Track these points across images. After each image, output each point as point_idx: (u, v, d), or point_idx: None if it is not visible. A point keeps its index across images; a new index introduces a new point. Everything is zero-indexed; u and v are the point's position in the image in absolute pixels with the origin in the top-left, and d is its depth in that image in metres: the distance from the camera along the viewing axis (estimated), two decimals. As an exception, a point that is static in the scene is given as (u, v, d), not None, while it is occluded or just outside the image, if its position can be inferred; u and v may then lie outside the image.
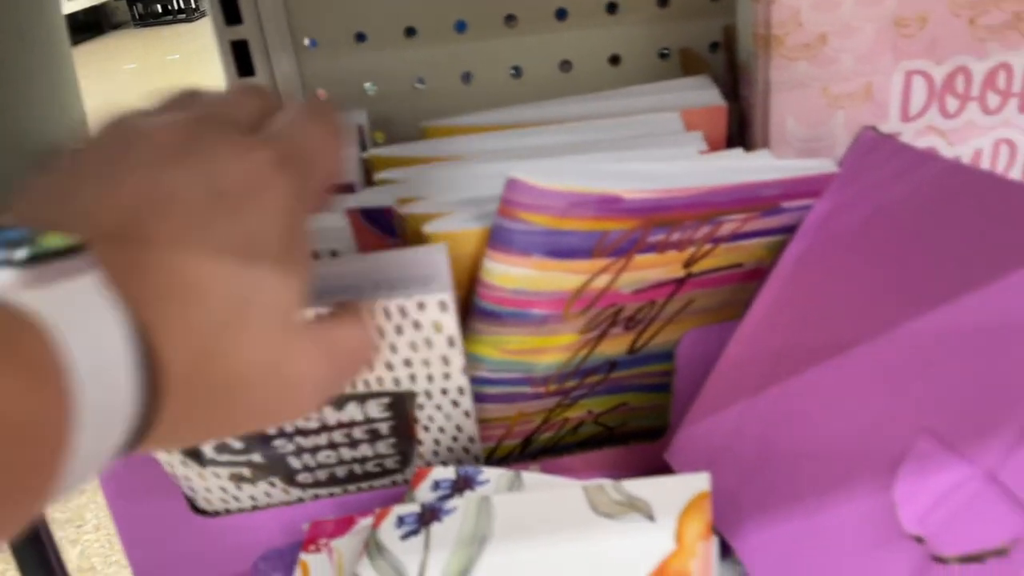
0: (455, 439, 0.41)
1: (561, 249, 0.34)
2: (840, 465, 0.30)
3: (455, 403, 0.38)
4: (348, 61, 0.49)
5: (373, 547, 0.32)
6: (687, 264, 0.37)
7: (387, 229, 0.39)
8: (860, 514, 0.28)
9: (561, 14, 0.48)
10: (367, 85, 0.50)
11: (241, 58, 0.49)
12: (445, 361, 0.33)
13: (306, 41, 0.49)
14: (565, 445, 0.46)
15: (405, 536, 0.32)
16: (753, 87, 0.40)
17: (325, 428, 0.38)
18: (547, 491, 0.34)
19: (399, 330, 0.30)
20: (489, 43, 0.48)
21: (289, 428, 0.37)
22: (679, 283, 0.38)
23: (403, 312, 0.29)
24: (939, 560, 0.25)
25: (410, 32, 0.48)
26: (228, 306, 0.21)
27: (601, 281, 0.36)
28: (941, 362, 0.28)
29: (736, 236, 0.36)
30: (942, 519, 0.25)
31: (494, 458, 0.45)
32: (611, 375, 0.42)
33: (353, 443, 0.39)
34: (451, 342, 0.31)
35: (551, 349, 0.39)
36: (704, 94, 0.43)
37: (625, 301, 0.38)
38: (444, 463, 0.42)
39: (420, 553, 0.31)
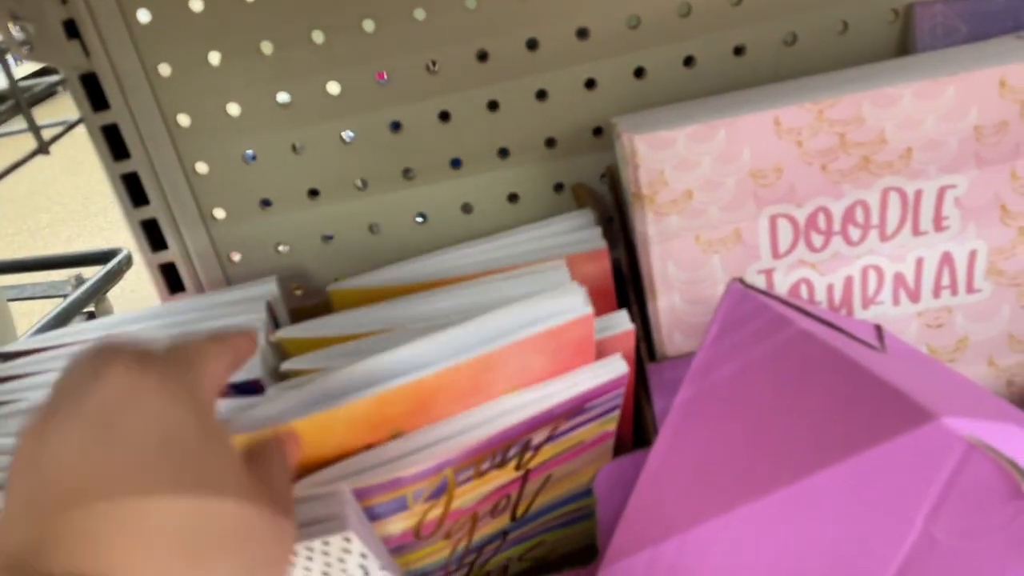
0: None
1: (376, 515, 0.36)
2: (730, 627, 0.32)
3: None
4: (257, 226, 0.51)
5: None
6: (518, 468, 0.39)
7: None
8: None
9: (456, 163, 0.50)
10: (281, 248, 0.52)
11: (152, 233, 0.50)
12: (363, 568, 0.35)
13: (217, 213, 0.50)
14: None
15: None
16: (636, 235, 0.43)
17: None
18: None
19: (310, 559, 0.32)
20: (392, 195, 0.50)
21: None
22: (523, 479, 0.40)
23: (310, 549, 0.31)
24: None
25: (313, 193, 0.50)
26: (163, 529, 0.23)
27: (434, 514, 0.38)
28: (806, 530, 0.30)
29: (553, 438, 0.39)
30: None
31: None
32: (508, 537, 0.44)
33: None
34: (364, 556, 0.33)
35: (425, 556, 0.41)
36: (586, 232, 0.45)
37: (474, 509, 0.40)
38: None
39: None
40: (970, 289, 0.42)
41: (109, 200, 2.50)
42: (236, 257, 0.52)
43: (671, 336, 0.44)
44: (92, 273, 1.26)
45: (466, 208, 0.51)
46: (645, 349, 0.45)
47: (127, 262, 1.29)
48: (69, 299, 1.18)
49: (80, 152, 1.55)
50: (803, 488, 0.31)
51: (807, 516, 0.30)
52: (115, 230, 2.51)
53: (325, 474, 0.34)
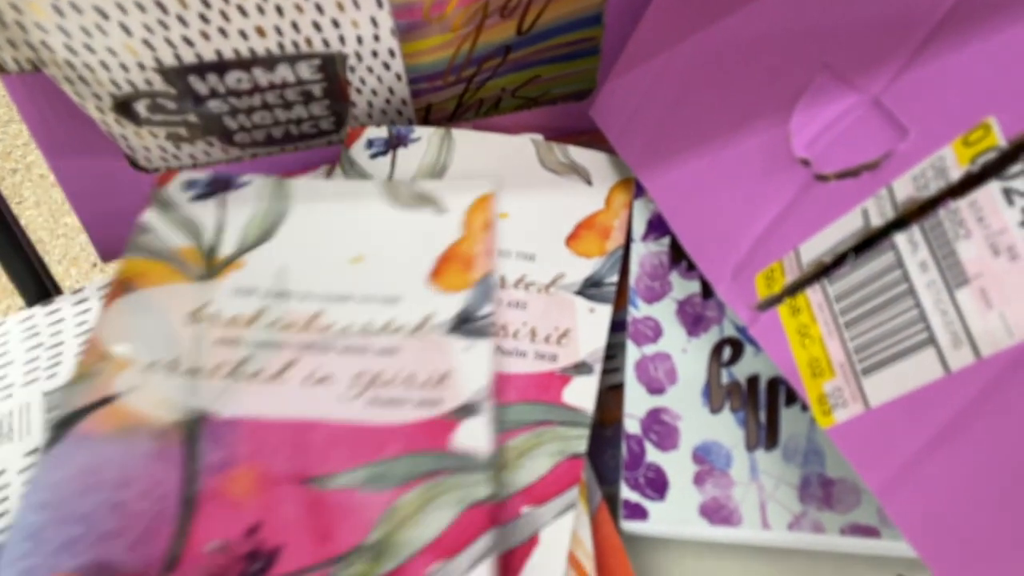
0: (388, 101, 0.42)
1: None
2: (747, 104, 0.32)
3: (386, 65, 0.38)
4: None
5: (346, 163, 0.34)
6: None
7: None
8: (758, 145, 0.31)
9: None
10: None
11: None
12: (374, 22, 0.33)
13: None
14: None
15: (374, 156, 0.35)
16: None
17: (258, 89, 0.38)
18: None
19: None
20: None
21: (221, 89, 0.38)
22: None
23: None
24: (820, 178, 0.28)
25: None
26: None
27: None
28: (843, 3, 0.29)
29: None
30: (827, 143, 0.28)
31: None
32: (509, 57, 0.43)
33: (287, 104, 0.40)
34: (379, 3, 0.31)
35: (428, 51, 0.39)
36: None
37: None
38: (377, 125, 0.44)
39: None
40: None
41: None
42: None
43: None
44: None
45: None
46: None
47: None
48: None
49: None
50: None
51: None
52: None
53: None
